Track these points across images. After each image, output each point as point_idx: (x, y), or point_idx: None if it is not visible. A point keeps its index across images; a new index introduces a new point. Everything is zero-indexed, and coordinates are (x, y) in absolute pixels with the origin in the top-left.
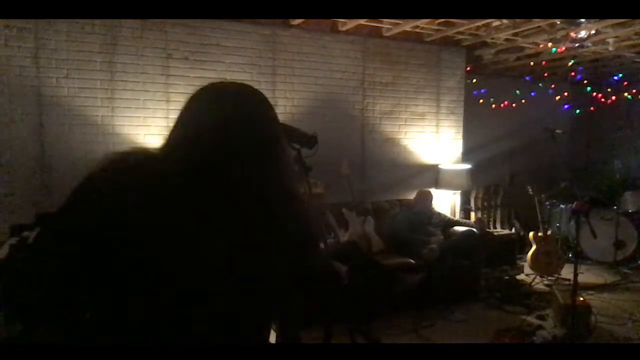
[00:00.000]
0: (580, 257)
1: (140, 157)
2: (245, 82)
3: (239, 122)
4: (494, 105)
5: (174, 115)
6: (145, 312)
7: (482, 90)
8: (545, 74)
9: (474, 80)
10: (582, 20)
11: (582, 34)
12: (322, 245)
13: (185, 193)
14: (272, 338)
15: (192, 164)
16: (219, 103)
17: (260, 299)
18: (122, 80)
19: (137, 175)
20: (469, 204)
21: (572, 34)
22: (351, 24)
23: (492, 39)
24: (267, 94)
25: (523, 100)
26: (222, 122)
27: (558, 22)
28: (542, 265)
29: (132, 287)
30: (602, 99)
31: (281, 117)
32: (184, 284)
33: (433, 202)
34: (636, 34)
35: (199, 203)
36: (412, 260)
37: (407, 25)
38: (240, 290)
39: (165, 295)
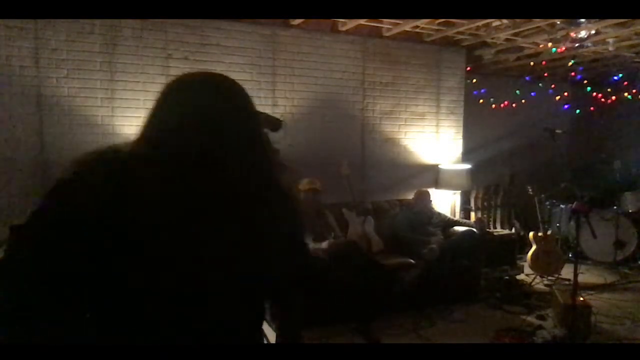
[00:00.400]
0: (580, 257)
1: (125, 154)
2: (245, 82)
3: (226, 112)
4: (494, 105)
5: None
6: (138, 312)
7: (482, 90)
8: (545, 74)
9: (474, 80)
10: (582, 20)
11: (582, 34)
12: (310, 241)
13: (176, 190)
14: (273, 338)
15: (180, 158)
16: (203, 94)
17: (255, 297)
18: (122, 80)
19: (120, 173)
20: (469, 204)
21: (572, 34)
22: (351, 24)
23: (492, 39)
24: (267, 94)
25: (523, 100)
26: (210, 113)
27: (558, 22)
28: (542, 265)
29: (123, 286)
30: (602, 99)
31: (281, 117)
32: (177, 282)
33: (433, 202)
34: (636, 34)
35: (190, 200)
36: (412, 260)
37: (407, 25)
38: (234, 289)
39: (157, 294)
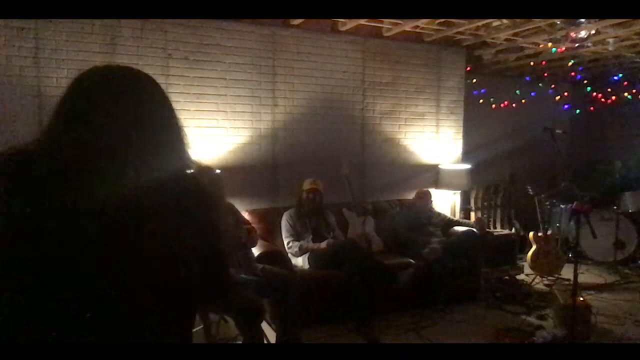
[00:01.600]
0: (580, 257)
1: (25, 152)
2: (246, 82)
3: (123, 108)
4: (494, 105)
5: None
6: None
7: (482, 90)
8: (545, 74)
9: (474, 80)
10: (582, 20)
11: (582, 34)
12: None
13: (76, 187)
14: (273, 338)
15: (80, 154)
16: (102, 89)
17: (168, 297)
18: None
19: (19, 172)
20: (469, 204)
21: (572, 34)
22: (351, 24)
23: (492, 39)
24: (267, 94)
25: (523, 100)
26: (109, 109)
27: (558, 22)
28: (542, 265)
29: (38, 287)
30: (602, 99)
31: (281, 117)
32: (84, 281)
33: (433, 202)
34: (636, 34)
35: (89, 198)
36: (412, 260)
37: (407, 25)
38: (143, 287)
39: (65, 294)
